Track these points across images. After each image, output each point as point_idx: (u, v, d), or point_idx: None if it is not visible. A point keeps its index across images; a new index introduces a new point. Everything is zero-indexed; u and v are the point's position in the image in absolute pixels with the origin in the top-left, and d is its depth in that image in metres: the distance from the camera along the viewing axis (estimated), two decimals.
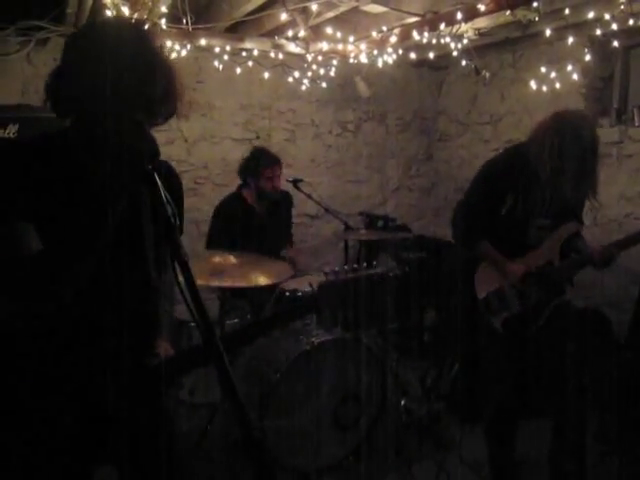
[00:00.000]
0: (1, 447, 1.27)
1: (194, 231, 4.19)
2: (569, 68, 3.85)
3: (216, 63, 4.04)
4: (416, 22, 3.64)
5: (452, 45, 3.72)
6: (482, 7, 3.18)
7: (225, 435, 2.89)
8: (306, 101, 5.01)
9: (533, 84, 3.98)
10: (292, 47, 4.10)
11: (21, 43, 3.85)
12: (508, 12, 3.17)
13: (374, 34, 3.86)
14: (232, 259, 2.77)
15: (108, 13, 3.04)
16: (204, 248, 3.51)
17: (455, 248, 2.88)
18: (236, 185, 3.78)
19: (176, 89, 1.33)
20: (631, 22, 3.17)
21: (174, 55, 3.72)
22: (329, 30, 3.76)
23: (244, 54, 4.21)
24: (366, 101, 5.14)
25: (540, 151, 2.32)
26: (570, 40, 3.55)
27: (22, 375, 1.27)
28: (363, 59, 4.19)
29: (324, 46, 3.98)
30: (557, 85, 3.96)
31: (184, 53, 3.76)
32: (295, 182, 3.70)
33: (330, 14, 3.65)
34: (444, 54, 4.05)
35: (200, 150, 4.67)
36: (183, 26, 3.45)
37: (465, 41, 3.73)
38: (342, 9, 3.56)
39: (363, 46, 4.10)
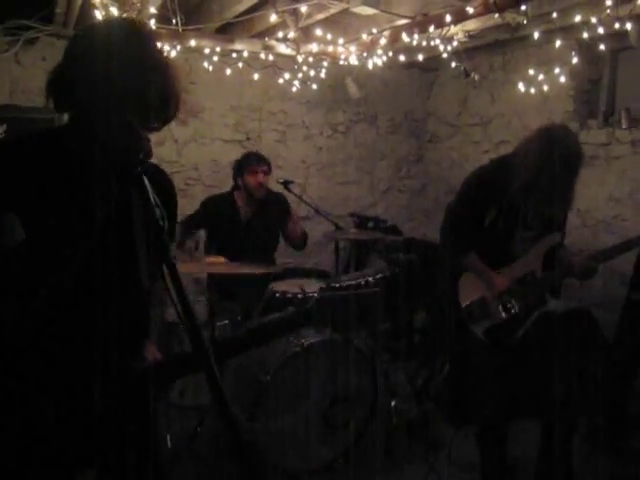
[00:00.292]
0: None
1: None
2: (557, 71, 3.88)
3: (206, 64, 4.03)
4: (406, 24, 3.65)
5: (442, 47, 3.74)
6: (471, 10, 3.20)
7: (215, 437, 2.88)
8: (296, 102, 5.01)
9: (522, 86, 4.01)
10: (282, 48, 4.10)
11: (9, 43, 3.83)
12: (497, 15, 3.19)
13: (364, 36, 3.87)
14: (222, 260, 2.78)
15: (97, 13, 3.03)
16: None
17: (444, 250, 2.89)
18: (228, 186, 3.79)
19: (176, 93, 1.33)
20: (617, 26, 3.20)
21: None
22: (319, 32, 3.76)
23: (234, 55, 4.21)
24: (356, 103, 5.15)
25: (524, 164, 2.35)
26: (558, 43, 3.58)
27: (7, 378, 1.26)
28: (353, 61, 4.20)
29: (314, 48, 3.98)
30: (545, 87, 4.00)
31: (174, 54, 3.75)
32: (286, 184, 3.70)
33: (320, 16, 3.65)
34: (434, 56, 4.07)
35: (190, 151, 4.66)
36: (173, 27, 3.44)
37: (455, 43, 3.74)
38: (332, 11, 3.57)
39: (353, 48, 4.10)
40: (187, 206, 3.91)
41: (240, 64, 4.29)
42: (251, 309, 3.24)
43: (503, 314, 2.49)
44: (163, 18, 3.40)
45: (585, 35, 3.40)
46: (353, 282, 3.14)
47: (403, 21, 3.67)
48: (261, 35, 4.07)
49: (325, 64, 4.31)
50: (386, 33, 3.78)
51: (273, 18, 3.58)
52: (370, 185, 5.54)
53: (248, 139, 4.84)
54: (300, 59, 4.12)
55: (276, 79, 4.55)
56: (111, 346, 1.30)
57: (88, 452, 1.35)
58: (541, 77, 3.96)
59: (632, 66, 4.20)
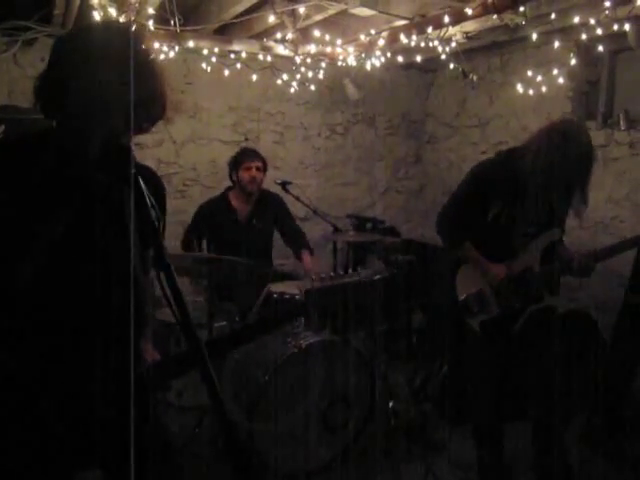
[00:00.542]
0: None
1: (182, 234, 4.17)
2: (555, 72, 3.88)
3: (204, 65, 4.03)
4: (404, 25, 3.65)
5: (440, 48, 3.74)
6: (470, 11, 3.20)
7: (213, 438, 2.88)
8: (295, 103, 5.01)
9: (520, 87, 4.01)
10: (281, 49, 4.10)
11: (7, 43, 3.82)
12: (495, 16, 3.19)
13: (362, 37, 3.87)
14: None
15: (95, 14, 3.02)
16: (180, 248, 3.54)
17: (442, 251, 2.89)
18: (225, 186, 3.79)
19: (163, 92, 1.32)
20: (616, 27, 3.21)
21: (162, 57, 3.71)
22: (318, 33, 3.76)
23: (232, 56, 4.21)
24: (355, 104, 5.15)
25: (535, 159, 2.32)
26: (556, 44, 3.58)
27: (5, 378, 1.26)
28: (352, 62, 4.20)
29: (313, 49, 3.99)
30: (544, 89, 4.00)
31: (172, 55, 3.75)
32: (284, 184, 3.70)
33: (319, 17, 3.65)
34: (432, 57, 4.07)
35: (188, 152, 4.66)
36: (171, 27, 3.43)
37: (453, 44, 3.74)
38: (331, 12, 3.57)
39: (351, 49, 4.11)
40: (186, 207, 3.92)
41: (238, 65, 4.29)
42: (249, 310, 3.24)
43: (498, 307, 2.49)
44: (161, 19, 3.40)
45: (584, 36, 3.41)
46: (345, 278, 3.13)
47: (401, 22, 3.67)
48: (259, 36, 4.08)
49: (323, 65, 4.31)
50: (384, 34, 3.79)
51: (271, 19, 3.58)
52: (368, 186, 5.54)
53: (246, 140, 4.83)
54: (298, 60, 4.13)
55: (274, 80, 4.55)
56: (109, 343, 1.30)
57: (86, 452, 1.35)
58: (539, 78, 3.96)
59: (631, 67, 4.20)
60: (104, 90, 1.21)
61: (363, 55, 4.11)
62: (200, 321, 2.96)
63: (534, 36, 3.47)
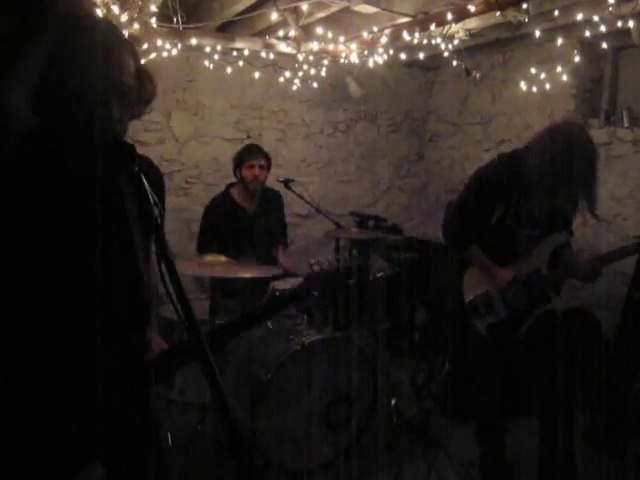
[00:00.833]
0: None
1: (185, 231, 4.19)
2: (559, 69, 3.88)
3: (207, 62, 4.03)
4: (407, 22, 3.65)
5: (443, 46, 3.73)
6: (472, 8, 3.20)
7: (216, 434, 2.89)
8: (297, 101, 5.01)
9: (523, 85, 4.00)
10: (283, 47, 4.10)
11: None
12: (498, 13, 3.18)
13: (365, 34, 3.87)
14: (222, 258, 2.78)
15: (98, 12, 3.02)
16: (196, 251, 3.52)
17: (445, 249, 2.89)
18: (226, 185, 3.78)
19: (146, 70, 1.32)
20: (619, 24, 3.19)
21: (165, 54, 3.72)
22: (320, 30, 3.76)
23: (235, 54, 4.21)
24: (357, 101, 5.15)
25: (538, 161, 2.31)
26: (560, 41, 3.57)
27: (7, 372, 1.26)
28: (354, 59, 4.20)
29: (315, 46, 3.98)
30: (547, 86, 3.99)
31: (175, 52, 3.75)
32: (286, 182, 3.70)
33: (321, 14, 3.65)
34: (435, 55, 4.07)
35: (191, 150, 4.66)
36: (174, 25, 3.44)
37: (456, 42, 3.74)
38: (333, 9, 3.57)
39: (354, 46, 4.10)
40: (188, 204, 3.93)
41: (241, 62, 4.29)
42: (252, 308, 3.24)
43: (505, 309, 2.48)
44: (164, 16, 3.40)
45: (587, 33, 3.40)
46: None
47: (404, 19, 3.67)
48: (262, 33, 4.07)
49: (326, 62, 4.31)
50: (387, 31, 3.78)
51: (274, 16, 3.58)
52: (371, 184, 5.53)
53: (249, 137, 4.83)
54: (301, 57, 4.12)
55: (277, 77, 4.55)
56: (115, 337, 1.30)
57: (90, 447, 1.35)
58: (542, 76, 3.95)
59: (634, 65, 4.19)
60: (92, 82, 1.21)
61: (365, 52, 4.11)
62: (203, 319, 2.96)
63: (537, 33, 3.46)
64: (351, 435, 2.90)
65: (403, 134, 5.66)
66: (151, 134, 4.47)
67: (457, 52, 3.84)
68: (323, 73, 4.37)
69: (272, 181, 3.78)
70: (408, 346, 4.14)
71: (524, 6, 3.13)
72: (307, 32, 3.94)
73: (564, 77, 3.91)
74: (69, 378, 1.29)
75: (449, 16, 3.32)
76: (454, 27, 3.51)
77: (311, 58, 4.19)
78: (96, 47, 1.22)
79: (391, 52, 4.04)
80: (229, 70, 4.23)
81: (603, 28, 3.25)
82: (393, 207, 5.63)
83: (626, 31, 3.26)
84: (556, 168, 2.27)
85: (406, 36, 3.62)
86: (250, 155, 3.60)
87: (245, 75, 4.49)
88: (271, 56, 4.28)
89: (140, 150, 1.20)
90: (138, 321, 1.41)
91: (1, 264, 1.23)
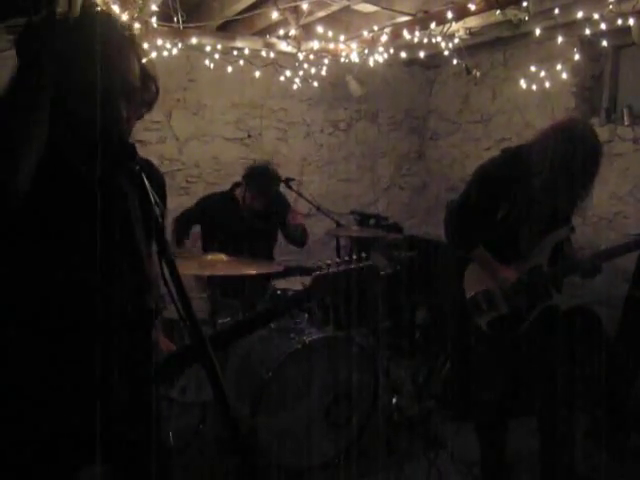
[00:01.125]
0: None
1: None
2: (559, 67, 3.87)
3: (207, 62, 4.03)
4: (407, 21, 3.65)
5: (443, 44, 3.73)
6: (473, 6, 3.19)
7: (217, 434, 2.89)
8: (298, 100, 5.01)
9: (523, 83, 4.00)
10: (283, 46, 4.10)
11: (12, 40, 3.82)
12: (498, 11, 3.18)
13: (365, 33, 3.87)
14: (223, 257, 2.79)
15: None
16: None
17: (446, 247, 2.89)
18: (229, 184, 3.77)
19: (150, 70, 1.32)
20: (620, 22, 3.19)
21: (165, 54, 3.72)
22: (320, 29, 3.75)
23: (235, 53, 4.21)
24: (357, 100, 5.15)
25: (541, 157, 2.30)
26: (560, 39, 3.56)
27: (11, 372, 1.27)
28: (354, 58, 4.19)
29: (315, 45, 3.98)
30: (547, 84, 3.99)
31: (175, 52, 3.75)
32: (287, 181, 3.70)
33: (321, 13, 3.65)
34: (435, 53, 4.06)
35: (191, 149, 4.66)
36: (174, 24, 3.43)
37: (456, 40, 3.74)
38: (333, 8, 3.57)
39: (354, 45, 4.10)
40: (189, 203, 3.92)
41: (241, 62, 4.29)
42: (253, 307, 3.25)
43: (507, 306, 2.48)
44: (164, 16, 3.40)
45: (587, 31, 3.39)
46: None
47: (404, 18, 3.66)
48: (262, 33, 4.07)
49: (326, 61, 4.31)
50: (387, 30, 3.78)
51: (274, 16, 3.58)
52: (371, 182, 5.54)
53: (249, 137, 4.84)
54: (301, 56, 4.12)
55: (277, 77, 4.55)
56: (119, 336, 1.31)
57: (93, 447, 1.36)
58: (543, 74, 3.95)
59: (634, 63, 4.19)
60: (99, 82, 1.21)
61: (366, 51, 4.11)
62: (204, 318, 2.97)
63: (537, 31, 3.45)
64: (352, 434, 2.91)
65: (403, 133, 5.66)
66: (152, 133, 4.47)
67: (457, 51, 3.84)
68: (323, 72, 4.37)
69: None
70: (409, 345, 4.14)
71: (524, 4, 3.12)
72: (307, 31, 3.94)
73: (564, 75, 3.91)
74: (73, 378, 1.29)
75: (449, 15, 3.31)
76: (454, 26, 3.51)
77: (311, 57, 4.19)
78: (102, 46, 1.21)
79: (391, 51, 4.04)
80: (229, 69, 4.23)
81: (603, 26, 3.25)
82: (394, 205, 5.63)
83: (626, 29, 3.26)
84: (561, 165, 2.26)
85: (406, 35, 3.62)
86: (269, 187, 3.52)
87: (245, 74, 4.49)
88: (271, 55, 4.28)
89: (140, 149, 1.20)
90: (143, 321, 1.41)
91: (4, 263, 1.23)
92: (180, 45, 3.72)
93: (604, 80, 4.36)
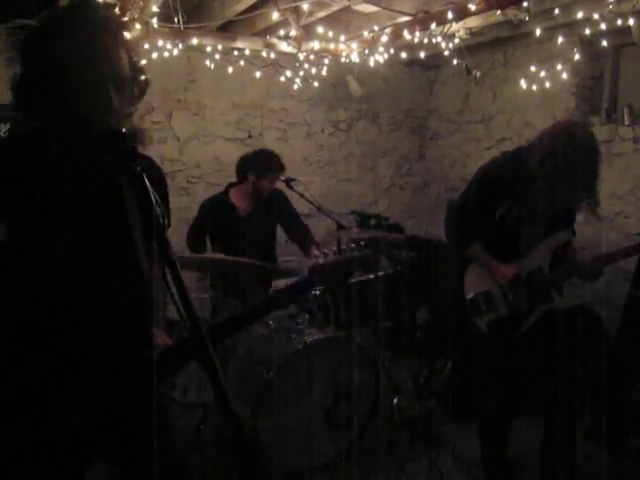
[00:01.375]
0: None
1: (186, 230, 4.18)
2: (559, 67, 3.88)
3: (208, 62, 4.03)
4: (407, 21, 3.65)
5: (443, 44, 3.73)
6: (473, 7, 3.20)
7: (218, 434, 2.90)
8: (298, 100, 5.01)
9: (524, 83, 4.00)
10: (284, 46, 4.10)
11: (12, 42, 3.82)
12: (499, 12, 3.18)
13: (366, 33, 3.87)
14: (224, 257, 2.80)
15: None
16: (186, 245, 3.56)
17: (447, 248, 2.89)
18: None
19: (138, 61, 1.32)
20: (619, 22, 3.19)
21: (166, 54, 3.72)
22: (321, 29, 3.76)
23: (236, 53, 4.21)
24: (358, 100, 5.15)
25: (541, 159, 2.30)
26: (560, 40, 3.57)
27: (14, 372, 1.27)
28: (355, 58, 4.20)
29: (316, 45, 3.98)
30: (547, 84, 3.99)
31: (176, 52, 3.76)
32: (287, 181, 3.70)
33: (322, 13, 3.66)
34: (435, 53, 4.06)
35: (192, 149, 4.67)
36: (175, 25, 3.44)
37: (456, 40, 3.74)
38: (334, 8, 3.57)
39: (355, 45, 4.10)
40: (190, 204, 3.94)
41: (242, 62, 4.29)
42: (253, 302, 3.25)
43: (507, 307, 2.48)
44: (165, 16, 3.41)
45: (587, 31, 3.40)
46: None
47: (405, 18, 3.67)
48: (263, 33, 4.08)
49: (327, 62, 4.31)
50: (388, 30, 3.78)
51: (275, 16, 3.58)
52: (372, 182, 5.53)
53: (250, 137, 4.84)
54: (302, 57, 4.13)
55: (278, 77, 4.55)
56: (119, 336, 1.31)
57: (97, 445, 1.36)
58: (543, 74, 3.95)
59: (635, 62, 4.19)
60: (89, 80, 1.21)
61: (366, 52, 4.11)
62: (205, 318, 2.97)
63: (538, 31, 3.46)
64: (353, 434, 2.91)
65: (404, 133, 5.66)
66: (152, 134, 4.47)
67: (458, 51, 3.84)
68: (324, 72, 4.37)
69: None
70: (409, 345, 4.14)
71: (524, 4, 3.12)
72: (308, 31, 3.95)
73: (564, 75, 3.91)
74: (74, 378, 1.30)
75: (450, 15, 3.31)
76: (455, 26, 3.51)
77: (312, 57, 4.20)
78: (88, 34, 1.23)
79: (392, 51, 4.04)
80: (230, 70, 4.24)
81: (603, 26, 3.25)
82: (394, 206, 5.63)
83: (626, 29, 3.26)
84: (560, 166, 2.27)
85: (407, 35, 3.63)
86: (275, 171, 3.56)
87: (246, 75, 4.50)
88: (272, 55, 4.28)
89: (141, 150, 1.21)
90: (141, 321, 1.42)
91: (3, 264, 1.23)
92: (181, 46, 3.73)
93: (604, 80, 4.36)
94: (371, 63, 4.18)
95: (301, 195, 3.73)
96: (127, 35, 1.34)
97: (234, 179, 3.75)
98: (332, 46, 4.08)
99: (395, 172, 5.66)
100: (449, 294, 3.01)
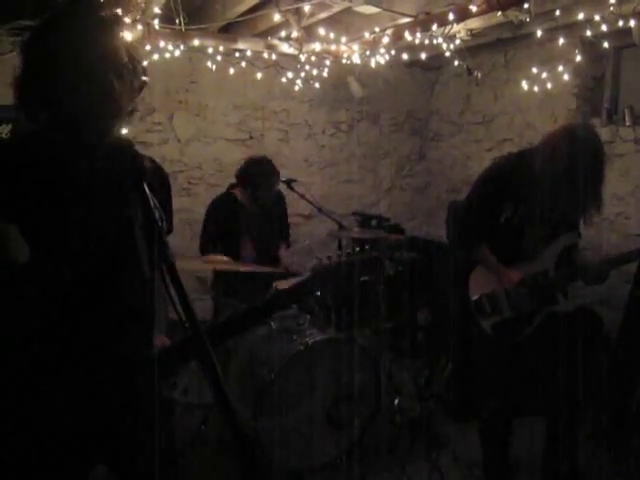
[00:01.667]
0: None
1: (187, 231, 4.19)
2: (560, 68, 3.88)
3: (209, 63, 4.04)
4: (408, 23, 3.65)
5: (444, 46, 3.73)
6: (474, 8, 3.20)
7: (219, 435, 2.90)
8: (299, 101, 5.02)
9: (525, 84, 4.01)
10: (285, 48, 4.11)
11: (14, 43, 3.84)
12: (500, 13, 3.18)
13: (367, 35, 3.87)
14: (225, 257, 2.80)
15: None
16: (199, 251, 3.53)
17: (447, 249, 2.89)
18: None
19: (136, 54, 1.33)
20: (620, 23, 3.19)
21: (167, 56, 3.73)
22: (322, 31, 3.77)
23: (237, 54, 4.22)
24: (359, 101, 5.15)
25: (548, 160, 2.30)
26: (561, 41, 3.57)
27: (17, 375, 1.27)
28: (356, 59, 4.20)
29: (317, 47, 3.99)
30: (549, 85, 3.99)
31: (177, 53, 3.77)
32: (288, 182, 3.71)
33: (323, 15, 3.66)
34: (436, 55, 4.07)
35: (193, 150, 4.67)
36: (176, 27, 3.45)
37: (457, 42, 3.74)
38: (335, 10, 3.57)
39: (356, 47, 4.11)
40: (191, 205, 3.94)
41: (243, 63, 4.30)
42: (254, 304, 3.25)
43: (511, 309, 2.48)
44: (166, 18, 3.41)
45: (588, 33, 3.40)
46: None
47: (406, 20, 3.67)
48: (264, 34, 4.08)
49: (328, 63, 4.32)
50: (389, 32, 3.78)
51: (276, 17, 3.59)
52: (373, 183, 5.54)
53: (251, 138, 4.85)
54: (303, 58, 4.13)
55: (279, 78, 4.56)
56: (120, 339, 1.31)
57: (98, 447, 1.36)
58: (544, 75, 3.95)
59: (636, 64, 4.19)
60: (92, 80, 1.22)
61: (367, 53, 4.11)
62: (206, 319, 2.98)
63: (539, 33, 3.46)
64: (354, 435, 2.91)
65: (405, 134, 5.66)
66: (153, 135, 4.48)
67: (459, 52, 3.85)
68: (325, 73, 4.38)
69: None
70: (410, 346, 4.14)
71: (525, 6, 3.12)
72: (309, 33, 3.95)
73: (566, 76, 3.91)
74: (74, 380, 1.30)
75: (450, 16, 3.32)
76: (456, 27, 3.51)
77: (313, 59, 4.20)
78: (90, 34, 1.24)
79: (393, 52, 4.04)
80: (231, 71, 4.25)
81: (604, 27, 3.26)
82: (395, 207, 5.63)
83: (627, 30, 3.26)
84: (566, 169, 2.27)
85: (408, 36, 3.63)
86: (272, 180, 3.56)
87: (247, 76, 4.50)
88: (273, 57, 4.28)
89: (142, 151, 1.21)
90: (142, 324, 1.42)
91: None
92: (182, 47, 3.74)
93: (605, 81, 4.36)
94: (372, 64, 4.18)
95: (302, 196, 3.74)
96: (126, 33, 1.35)
97: (235, 180, 3.75)
98: (333, 47, 4.08)
99: (396, 173, 5.66)
100: (450, 295, 3.01)
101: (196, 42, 3.75)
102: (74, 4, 1.31)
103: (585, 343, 2.53)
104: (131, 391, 1.34)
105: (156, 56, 3.67)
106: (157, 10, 3.23)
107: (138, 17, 3.16)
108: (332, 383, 2.82)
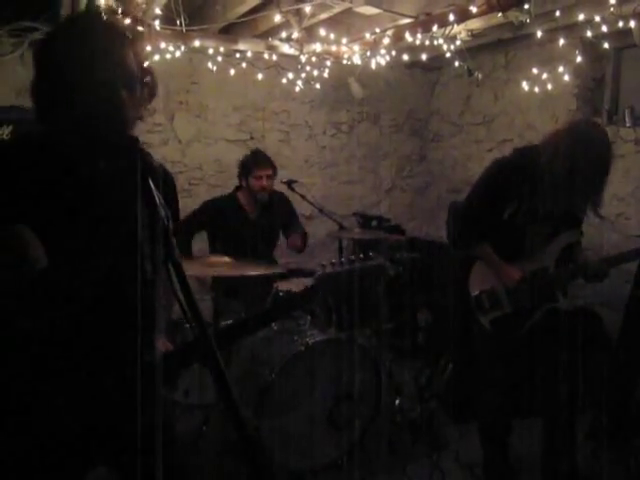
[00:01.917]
0: None
1: None
2: (561, 69, 3.88)
3: (210, 64, 4.05)
4: (409, 24, 3.66)
5: (445, 46, 3.74)
6: (474, 9, 3.20)
7: (221, 436, 2.90)
8: (300, 102, 5.02)
9: (525, 85, 4.01)
10: (286, 48, 4.11)
11: (14, 44, 3.85)
12: (500, 14, 3.19)
13: (367, 35, 3.88)
14: (226, 259, 2.80)
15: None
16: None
17: (448, 249, 2.89)
18: (232, 186, 3.79)
19: (147, 66, 1.35)
20: (621, 24, 3.20)
21: (168, 56, 3.73)
22: (323, 31, 3.77)
23: (238, 55, 4.23)
24: (359, 102, 5.16)
25: (553, 157, 2.29)
26: (561, 41, 3.57)
27: (18, 375, 1.27)
28: (356, 60, 4.21)
29: (318, 47, 4.00)
30: (549, 86, 4.00)
31: (178, 54, 3.77)
32: (289, 183, 3.71)
33: (323, 15, 3.67)
34: (437, 55, 4.07)
35: (194, 151, 4.68)
36: (177, 27, 3.46)
37: (458, 42, 3.75)
38: (335, 11, 3.58)
39: (356, 47, 4.11)
40: (191, 206, 3.93)
41: (244, 64, 4.31)
42: (255, 308, 3.25)
43: (511, 305, 2.48)
44: (167, 19, 3.42)
45: (589, 33, 3.40)
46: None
47: (406, 20, 3.67)
48: (265, 35, 4.09)
49: (328, 64, 4.32)
50: (389, 32, 3.79)
51: (277, 18, 3.60)
52: (373, 184, 5.54)
53: (252, 139, 4.85)
54: (303, 59, 4.14)
55: (279, 79, 4.56)
56: (122, 340, 1.31)
57: (99, 448, 1.36)
58: (544, 76, 3.96)
59: (636, 64, 4.19)
60: (102, 85, 1.23)
61: (368, 54, 4.12)
62: (206, 320, 2.97)
63: (539, 33, 3.47)
64: (355, 435, 2.91)
65: (405, 134, 5.67)
66: (154, 135, 4.49)
67: (459, 53, 3.85)
68: (326, 74, 4.38)
69: (275, 182, 3.79)
70: (411, 346, 4.14)
71: (526, 7, 3.13)
72: (310, 34, 3.96)
73: (566, 77, 3.92)
74: (75, 381, 1.30)
75: (451, 17, 3.32)
76: (456, 28, 3.52)
77: (314, 59, 4.21)
78: (102, 43, 1.26)
79: (393, 53, 4.05)
80: (232, 72, 4.25)
81: (605, 28, 3.26)
82: (396, 207, 5.64)
83: (627, 31, 3.27)
84: (571, 167, 2.26)
85: (408, 37, 3.63)
86: (257, 166, 3.56)
87: (248, 77, 4.51)
88: (274, 58, 4.29)
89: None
90: (143, 325, 1.42)
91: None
92: (183, 48, 3.74)
93: (606, 82, 4.37)
94: (373, 65, 4.19)
95: (303, 197, 3.74)
96: (136, 40, 1.37)
97: (236, 181, 3.76)
98: (334, 48, 4.09)
99: (396, 174, 5.66)
100: (451, 295, 3.01)
101: (197, 43, 3.76)
102: (89, 14, 1.33)
103: (585, 342, 2.53)
104: (132, 392, 1.34)
105: (157, 57, 3.68)
106: (158, 11, 3.24)
107: (139, 18, 3.16)
108: (333, 383, 2.82)
